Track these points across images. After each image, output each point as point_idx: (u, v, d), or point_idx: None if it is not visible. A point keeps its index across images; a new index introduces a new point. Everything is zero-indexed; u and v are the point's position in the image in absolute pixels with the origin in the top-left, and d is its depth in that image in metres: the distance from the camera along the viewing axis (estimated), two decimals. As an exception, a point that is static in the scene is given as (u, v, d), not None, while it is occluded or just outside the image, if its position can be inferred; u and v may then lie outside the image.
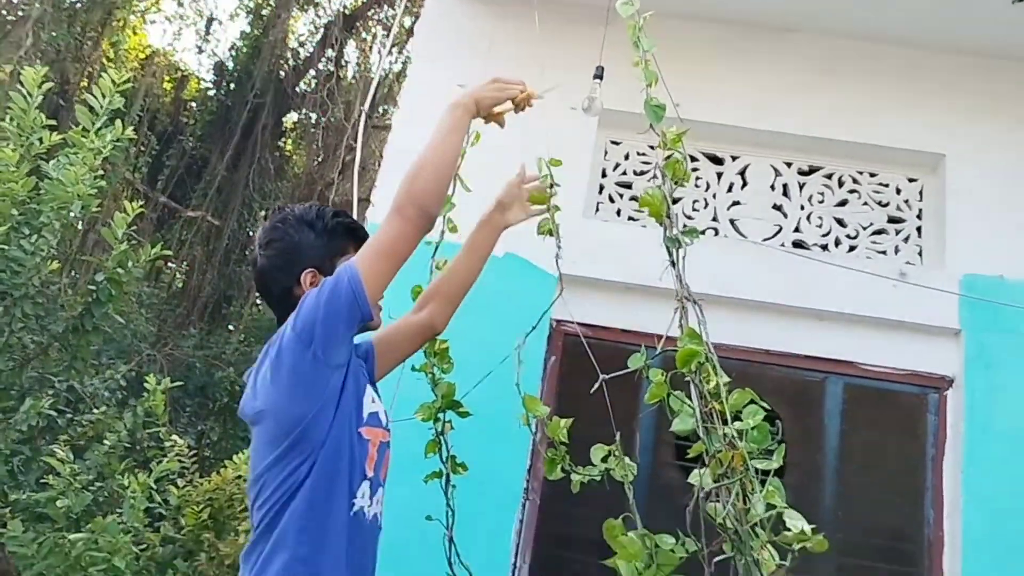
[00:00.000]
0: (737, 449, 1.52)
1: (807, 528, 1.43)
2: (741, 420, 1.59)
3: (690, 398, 1.71)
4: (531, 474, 2.89)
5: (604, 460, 1.97)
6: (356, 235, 1.96)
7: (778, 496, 1.45)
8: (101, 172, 4.07)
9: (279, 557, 1.68)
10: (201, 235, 9.16)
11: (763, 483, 1.49)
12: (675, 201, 2.85)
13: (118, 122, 4.10)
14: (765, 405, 1.70)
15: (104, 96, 4.00)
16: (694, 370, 1.67)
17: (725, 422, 1.59)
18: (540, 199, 2.24)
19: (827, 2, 3.17)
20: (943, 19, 3.14)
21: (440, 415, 2.38)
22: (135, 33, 9.61)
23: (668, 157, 2.11)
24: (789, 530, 1.45)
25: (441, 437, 2.38)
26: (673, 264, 1.84)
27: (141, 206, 4.51)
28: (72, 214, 3.98)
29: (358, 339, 2.10)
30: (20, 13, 8.26)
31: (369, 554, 1.83)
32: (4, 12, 8.37)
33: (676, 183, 1.95)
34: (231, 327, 8.99)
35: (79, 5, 8.58)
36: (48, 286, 4.52)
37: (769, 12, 3.26)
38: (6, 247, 3.69)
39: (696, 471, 1.73)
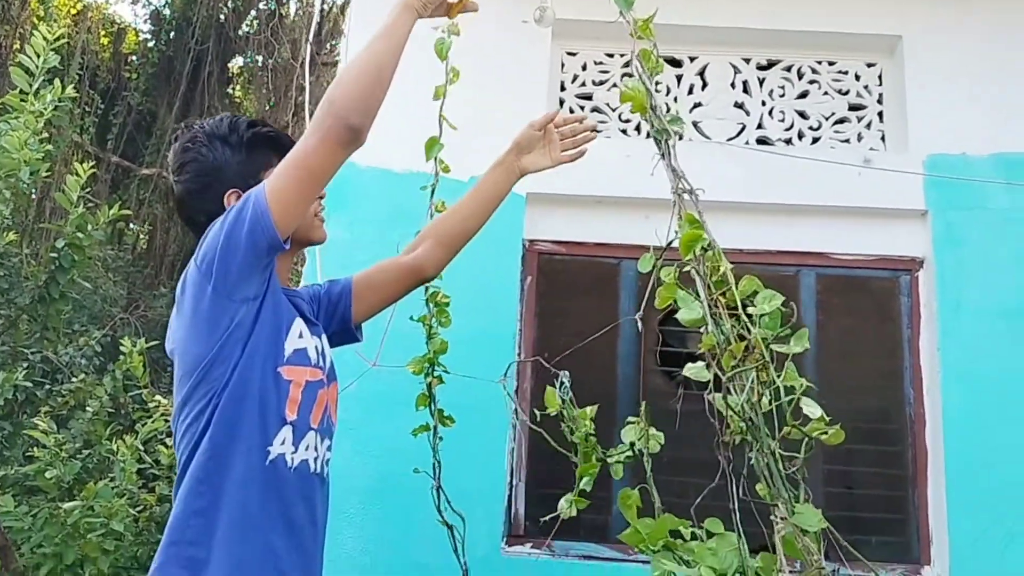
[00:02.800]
0: (751, 336, 1.49)
1: (822, 415, 1.42)
2: (752, 307, 1.54)
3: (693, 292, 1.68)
4: (519, 395, 2.91)
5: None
6: (279, 145, 1.73)
7: (796, 379, 1.43)
8: (46, 135, 3.95)
9: (175, 510, 1.55)
10: (159, 192, 8.97)
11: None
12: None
13: (57, 82, 3.96)
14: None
15: (38, 55, 3.85)
16: (698, 255, 1.62)
17: (733, 313, 1.55)
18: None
19: None
20: None
21: (430, 369, 2.38)
22: (64, -12, 9.21)
23: (625, 70, 2.09)
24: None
25: (430, 390, 2.40)
26: (663, 156, 1.79)
27: (92, 167, 4.40)
28: (22, 181, 3.87)
29: (335, 275, 2.00)
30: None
31: (309, 505, 1.63)
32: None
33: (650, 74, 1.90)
34: (202, 283, 8.89)
35: (0, -38, 8.19)
36: (8, 258, 4.42)
37: (715, -97, 3.18)
38: (-43, 222, 3.59)
39: (692, 366, 1.71)
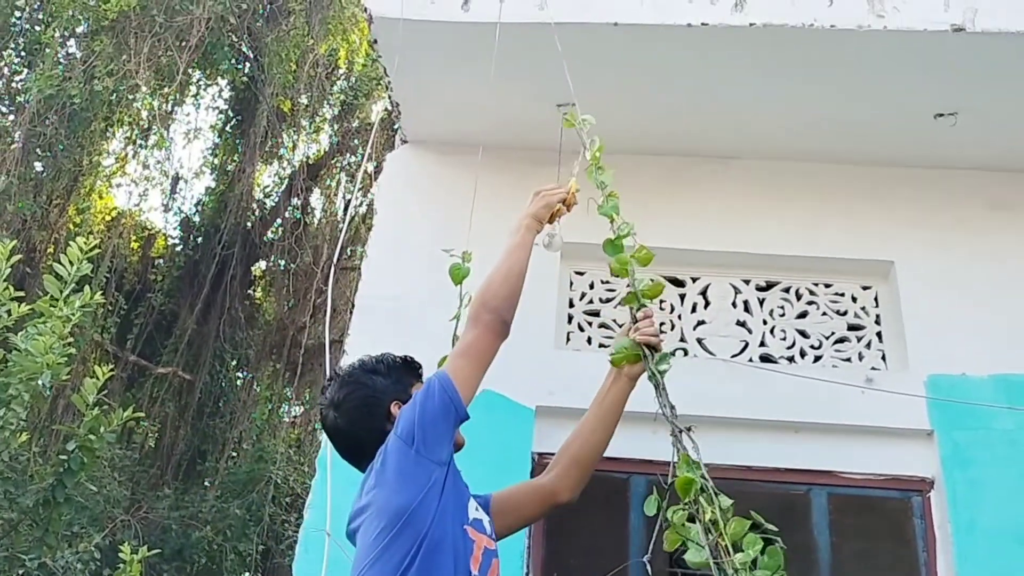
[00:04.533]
0: None
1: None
2: (743, 550, 1.57)
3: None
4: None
5: None
6: (416, 369, 2.11)
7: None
8: (70, 339, 4.08)
9: None
10: (173, 391, 9.07)
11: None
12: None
13: (86, 288, 4.14)
14: (769, 527, 1.69)
15: (72, 264, 4.05)
16: (694, 499, 1.67)
17: (729, 551, 1.57)
18: (631, 357, 2.14)
19: (762, 131, 3.37)
20: (873, 137, 3.34)
21: None
22: (101, 197, 9.78)
23: (629, 288, 2.23)
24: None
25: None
26: (658, 398, 1.90)
27: (111, 368, 4.50)
28: (41, 383, 3.96)
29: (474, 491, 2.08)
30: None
31: None
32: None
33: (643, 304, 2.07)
34: (207, 483, 8.78)
35: (44, 174, 8.75)
36: (17, 459, 4.43)
37: (710, 143, 3.46)
38: (-28, 424, 3.64)
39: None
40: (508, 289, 2.02)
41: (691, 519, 1.73)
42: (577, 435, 2.19)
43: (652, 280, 2.21)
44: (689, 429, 1.83)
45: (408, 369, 2.09)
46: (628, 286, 2.17)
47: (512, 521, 2.08)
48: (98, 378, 4.13)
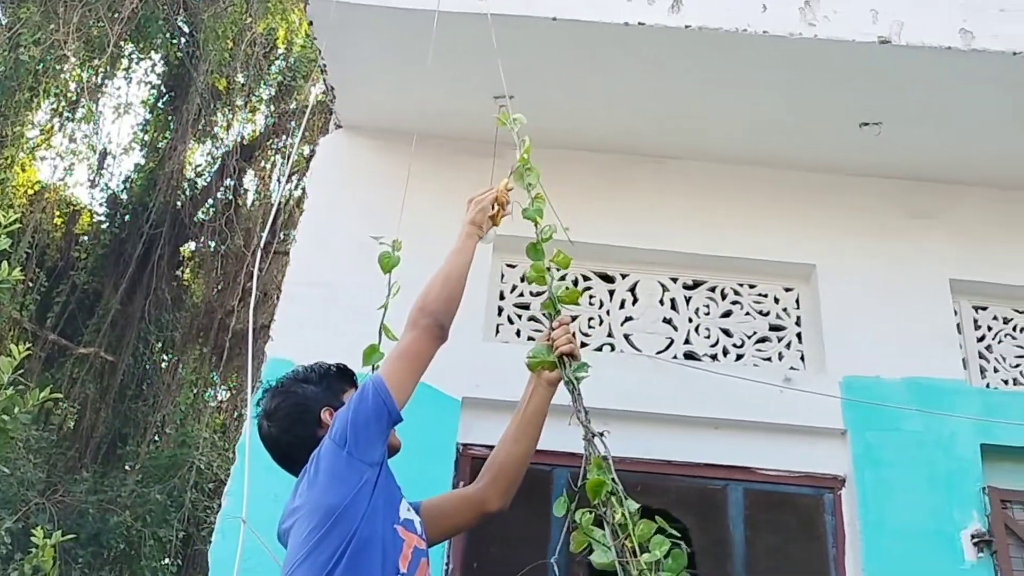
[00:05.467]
0: None
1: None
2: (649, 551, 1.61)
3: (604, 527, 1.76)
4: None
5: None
6: (350, 376, 2.14)
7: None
8: (-16, 316, 3.94)
9: None
10: (94, 372, 8.81)
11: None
12: (573, 319, 2.96)
13: (5, 263, 3.99)
14: (672, 530, 1.74)
15: (-12, 238, 3.90)
16: (604, 501, 1.71)
17: (636, 553, 1.62)
18: (547, 363, 2.19)
19: (696, 134, 3.43)
20: (801, 142, 3.43)
21: None
22: (24, 170, 9.42)
23: (561, 283, 2.26)
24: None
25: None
26: (573, 403, 1.94)
27: (28, 347, 4.35)
28: (-49, 361, 3.81)
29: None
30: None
31: None
32: None
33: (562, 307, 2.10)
34: (127, 467, 8.57)
35: (-37, 144, 8.41)
36: (-76, 439, 4.25)
37: (646, 142, 3.50)
38: None
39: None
40: (447, 293, 2.07)
41: (598, 522, 1.78)
42: (502, 445, 2.22)
43: (569, 287, 2.28)
44: (602, 434, 1.87)
45: (341, 376, 2.12)
46: (545, 293, 2.20)
47: (442, 529, 2.13)
48: (14, 356, 3.98)
